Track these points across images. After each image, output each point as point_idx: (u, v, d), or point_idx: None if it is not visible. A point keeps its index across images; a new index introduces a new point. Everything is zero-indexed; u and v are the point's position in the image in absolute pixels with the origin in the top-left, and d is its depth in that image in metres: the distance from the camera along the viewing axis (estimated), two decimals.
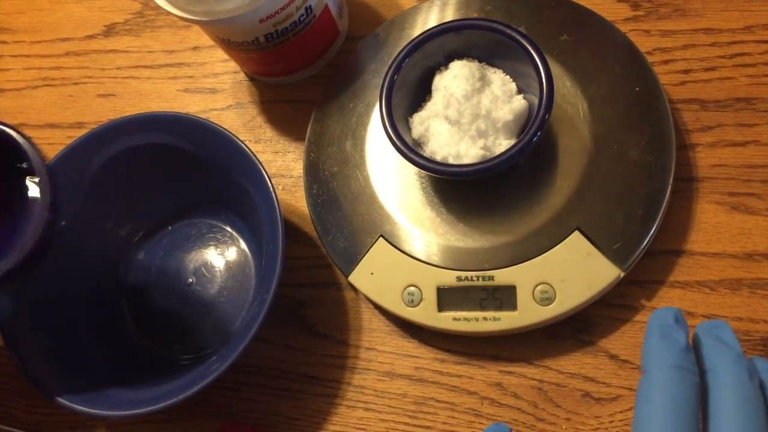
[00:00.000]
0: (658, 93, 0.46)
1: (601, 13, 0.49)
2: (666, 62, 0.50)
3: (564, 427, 0.44)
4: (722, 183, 0.46)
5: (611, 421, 0.44)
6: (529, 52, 0.43)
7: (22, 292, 0.48)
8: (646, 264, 0.45)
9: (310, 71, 0.56)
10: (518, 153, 0.42)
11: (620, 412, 0.44)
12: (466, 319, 0.45)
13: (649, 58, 0.48)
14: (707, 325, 0.34)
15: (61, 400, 0.45)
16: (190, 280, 0.52)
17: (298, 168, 0.54)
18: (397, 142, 0.44)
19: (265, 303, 0.44)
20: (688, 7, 0.50)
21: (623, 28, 0.49)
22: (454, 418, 0.46)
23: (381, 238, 0.47)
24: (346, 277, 0.48)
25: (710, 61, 0.49)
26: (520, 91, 0.46)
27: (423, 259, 0.46)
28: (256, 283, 0.50)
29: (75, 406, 0.45)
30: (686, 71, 0.49)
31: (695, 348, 0.33)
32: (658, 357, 0.31)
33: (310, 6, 0.49)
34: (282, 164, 0.55)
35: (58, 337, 0.49)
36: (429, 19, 0.52)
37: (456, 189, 0.47)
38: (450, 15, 0.51)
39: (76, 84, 0.62)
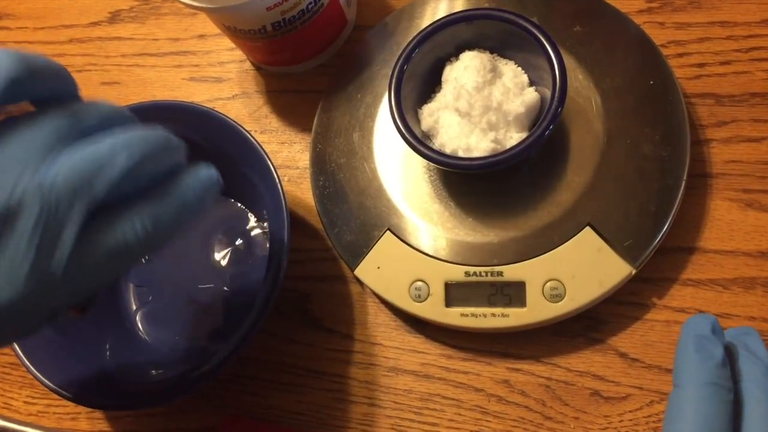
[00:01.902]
0: (673, 87, 0.45)
1: (614, 4, 0.48)
2: (680, 55, 0.49)
3: (572, 426, 0.44)
4: (736, 179, 0.45)
5: (620, 421, 0.43)
6: (543, 43, 0.42)
7: None
8: (658, 261, 0.44)
9: (317, 61, 0.55)
10: (530, 147, 0.41)
11: (630, 411, 0.43)
12: (474, 315, 0.44)
13: (663, 51, 0.47)
14: (735, 332, 0.33)
15: (62, 391, 0.45)
16: (194, 270, 0.51)
17: (304, 159, 0.53)
18: (406, 134, 0.43)
19: (269, 296, 0.43)
20: (703, 0, 0.49)
21: (637, 20, 0.48)
22: (460, 415, 0.46)
23: (388, 232, 0.46)
24: (352, 270, 0.47)
25: (726, 55, 0.48)
26: (531, 83, 0.45)
27: (431, 253, 0.45)
28: (260, 275, 0.50)
29: (77, 397, 0.45)
30: (701, 65, 0.48)
31: (727, 356, 0.32)
32: (692, 372, 0.30)
33: None
34: (288, 155, 0.54)
35: (58, 326, 0.48)
36: (439, 9, 0.51)
37: (465, 182, 0.47)
38: (460, 5, 0.50)
39: (79, 71, 0.61)
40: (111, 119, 0.31)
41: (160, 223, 0.31)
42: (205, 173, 0.33)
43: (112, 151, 0.29)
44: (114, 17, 0.62)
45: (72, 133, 0.29)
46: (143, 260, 0.32)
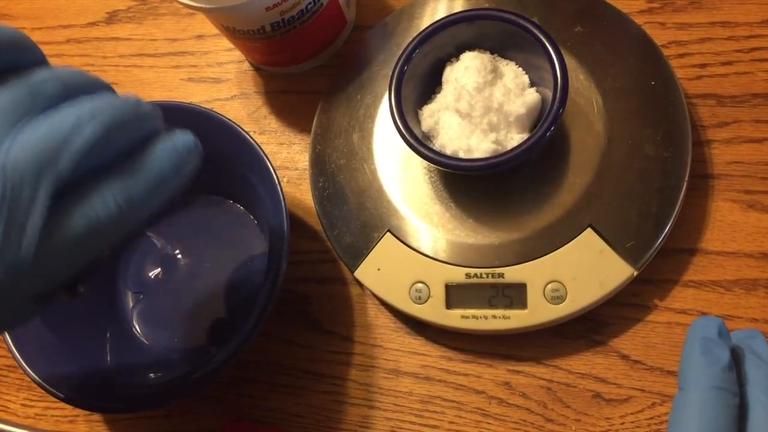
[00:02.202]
0: (674, 87, 0.45)
1: (615, 4, 0.48)
2: (681, 56, 0.48)
3: (573, 428, 0.43)
4: (738, 180, 0.45)
5: (622, 423, 0.43)
6: (543, 43, 0.42)
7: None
8: (660, 263, 0.44)
9: (316, 61, 0.55)
10: (531, 148, 0.41)
11: (631, 413, 0.43)
12: (475, 317, 0.44)
13: (664, 52, 0.46)
14: (741, 335, 0.33)
15: (60, 393, 0.44)
16: (192, 272, 0.51)
17: (303, 160, 0.53)
18: (407, 135, 0.43)
19: (269, 297, 0.43)
20: (704, 0, 0.49)
21: (638, 20, 0.48)
22: (461, 417, 0.45)
23: (388, 233, 0.46)
24: (352, 272, 0.47)
25: (727, 56, 0.48)
26: (532, 84, 0.45)
27: (431, 255, 0.45)
28: (259, 277, 0.49)
29: (75, 400, 0.44)
30: (702, 65, 0.48)
31: (733, 358, 0.32)
32: (698, 375, 0.30)
33: None
34: (287, 156, 0.54)
35: (57, 330, 0.48)
36: (439, 9, 0.51)
37: (466, 184, 0.46)
38: (460, 5, 0.50)
39: None
40: (76, 87, 0.29)
41: (135, 197, 0.29)
42: (181, 140, 0.31)
43: (77, 122, 0.27)
44: (111, 17, 0.62)
45: (33, 105, 0.27)
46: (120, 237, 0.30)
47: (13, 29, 0.29)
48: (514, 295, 0.44)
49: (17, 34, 0.29)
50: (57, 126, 0.27)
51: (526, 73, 0.45)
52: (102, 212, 0.28)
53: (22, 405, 0.53)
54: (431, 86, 0.47)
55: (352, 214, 0.48)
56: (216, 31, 0.55)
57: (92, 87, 0.30)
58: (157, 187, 0.29)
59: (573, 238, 0.43)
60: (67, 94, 0.28)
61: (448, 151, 0.44)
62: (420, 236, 0.46)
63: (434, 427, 0.45)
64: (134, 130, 0.30)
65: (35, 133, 0.26)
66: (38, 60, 0.30)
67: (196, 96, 0.57)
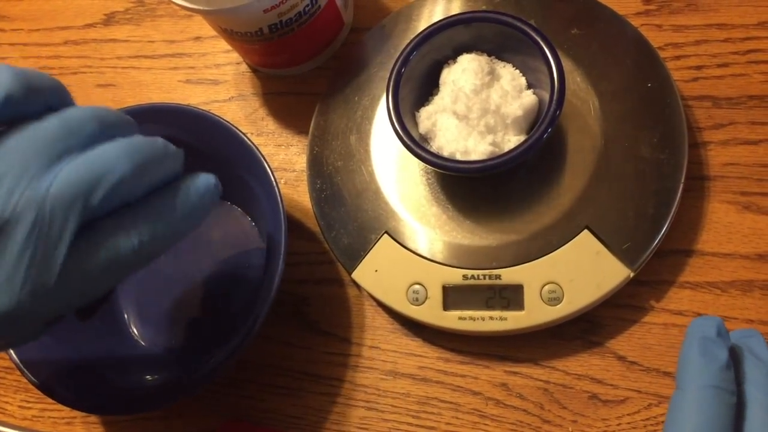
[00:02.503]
0: (671, 89, 0.45)
1: (612, 6, 0.48)
2: (678, 58, 0.49)
3: (570, 430, 0.44)
4: (734, 182, 0.45)
5: (618, 424, 0.43)
6: (540, 46, 0.42)
7: None
8: (656, 264, 0.44)
9: (314, 63, 0.55)
10: (528, 150, 0.41)
11: (628, 414, 0.43)
12: (472, 319, 0.44)
13: (661, 54, 0.47)
14: (740, 335, 0.33)
15: (57, 395, 0.44)
16: (189, 274, 0.51)
17: (301, 162, 0.53)
18: (404, 137, 0.43)
19: (266, 299, 0.43)
20: (701, 2, 0.49)
21: (634, 22, 0.48)
22: (458, 418, 0.45)
23: (386, 235, 0.46)
24: (350, 273, 0.47)
25: (723, 57, 0.48)
26: (529, 86, 0.45)
27: (428, 256, 0.45)
28: (257, 278, 0.50)
29: (71, 401, 0.44)
30: (698, 67, 0.48)
31: (732, 357, 0.32)
32: (695, 375, 0.30)
33: None
34: (284, 158, 0.54)
35: (54, 332, 0.47)
36: (436, 11, 0.51)
37: (463, 185, 0.46)
38: (457, 7, 0.50)
39: (74, 73, 0.61)
40: (112, 126, 0.31)
41: (157, 234, 0.30)
42: (204, 181, 0.33)
43: (111, 159, 0.29)
44: (109, 19, 0.62)
45: (75, 142, 0.29)
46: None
47: (52, 78, 0.31)
48: (511, 297, 0.44)
49: (57, 82, 0.31)
50: (92, 162, 0.29)
51: (524, 75, 0.45)
52: (124, 248, 0.29)
53: (20, 407, 0.53)
54: (428, 88, 0.47)
55: (350, 216, 0.48)
56: (214, 32, 0.55)
57: (126, 126, 0.32)
58: (179, 224, 0.31)
59: (570, 240, 0.43)
60: (102, 132, 0.30)
61: (446, 153, 0.44)
62: (417, 238, 0.46)
63: (431, 428, 0.46)
64: (161, 170, 0.31)
65: (71, 168, 0.28)
66: (70, 102, 0.32)
67: (194, 98, 0.58)
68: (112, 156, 0.29)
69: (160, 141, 0.32)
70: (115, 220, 0.30)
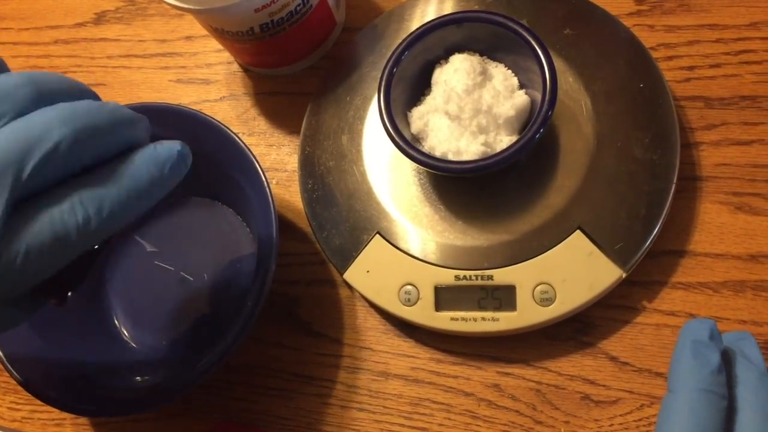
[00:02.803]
0: (663, 90, 0.45)
1: (604, 6, 0.48)
2: (670, 58, 0.48)
3: (562, 430, 0.43)
4: (726, 182, 0.45)
5: (611, 425, 0.43)
6: (532, 46, 0.42)
7: None
8: (648, 264, 0.44)
9: (305, 63, 0.55)
10: (520, 150, 0.41)
11: (620, 415, 0.43)
12: (464, 319, 0.44)
13: (653, 54, 0.47)
14: (732, 337, 0.33)
15: (46, 396, 0.44)
16: (180, 274, 0.51)
17: (292, 162, 0.53)
18: (396, 137, 0.43)
19: (257, 299, 0.43)
20: (693, 3, 0.49)
21: (627, 22, 0.48)
22: (450, 419, 0.45)
23: (377, 236, 0.46)
24: (341, 274, 0.47)
25: (715, 58, 0.48)
26: (521, 86, 0.45)
27: (420, 257, 0.45)
28: (248, 279, 0.49)
29: (61, 402, 0.44)
30: (691, 68, 0.48)
31: (723, 360, 0.32)
32: (687, 378, 0.30)
33: None
34: (276, 158, 0.53)
35: (43, 332, 0.47)
36: (428, 11, 0.50)
37: (455, 186, 0.46)
38: (449, 7, 0.50)
39: (65, 72, 0.61)
40: (52, 92, 0.28)
41: (105, 208, 0.27)
42: (165, 150, 0.29)
43: (46, 125, 0.26)
44: (100, 18, 0.62)
45: (3, 107, 0.26)
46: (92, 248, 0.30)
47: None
48: (503, 297, 0.44)
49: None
50: (22, 131, 0.26)
51: (515, 76, 0.45)
52: (68, 223, 0.26)
53: (9, 408, 0.52)
54: (420, 88, 0.47)
55: (342, 216, 0.47)
56: (205, 32, 0.55)
57: (72, 92, 0.29)
58: (131, 197, 0.28)
59: (562, 240, 0.43)
60: (40, 99, 0.27)
61: (438, 153, 0.44)
62: (409, 238, 0.46)
63: (423, 429, 0.45)
64: (110, 137, 0.28)
65: (3, 138, 0.25)
66: (4, 69, 0.29)
67: (185, 97, 0.57)
68: (47, 122, 0.26)
69: (109, 106, 0.28)
70: (55, 194, 0.27)
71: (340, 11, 0.55)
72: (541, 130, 0.41)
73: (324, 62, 0.55)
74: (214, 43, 0.57)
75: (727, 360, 0.32)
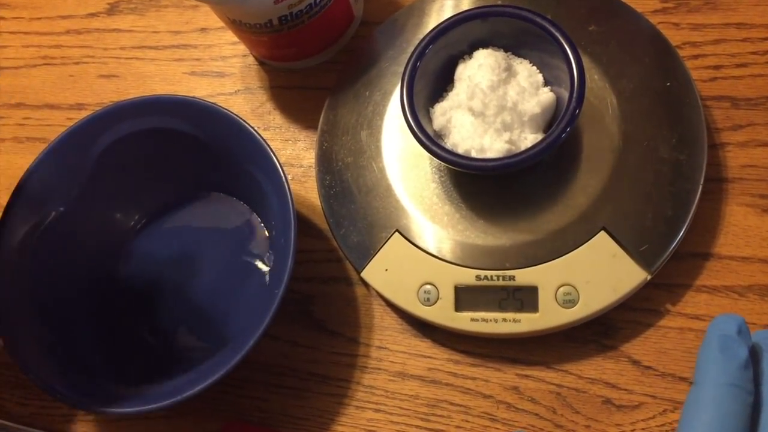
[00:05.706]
0: (690, 89, 0.44)
1: (629, 3, 0.47)
2: (696, 57, 0.48)
3: None
4: (753, 184, 0.45)
5: (633, 430, 0.42)
6: (560, 42, 0.41)
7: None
8: (673, 267, 0.43)
9: (323, 57, 0.54)
10: (546, 148, 0.40)
11: (642, 420, 0.42)
12: (485, 320, 0.43)
13: (678, 53, 0.46)
14: (762, 335, 0.32)
15: (56, 393, 0.43)
16: (195, 271, 0.50)
17: (308, 157, 0.52)
18: (419, 133, 0.42)
19: (275, 298, 0.42)
20: (719, 1, 0.48)
21: (652, 20, 0.47)
22: (468, 422, 0.44)
23: (397, 233, 0.45)
24: (359, 272, 0.46)
25: (742, 57, 0.47)
26: (546, 83, 0.44)
27: (440, 256, 0.44)
28: (265, 276, 0.48)
29: (71, 399, 0.43)
30: (717, 67, 0.47)
31: (752, 357, 0.31)
32: (713, 372, 0.30)
33: None
34: (292, 153, 0.53)
35: (55, 328, 0.47)
36: (448, 6, 0.50)
37: (476, 184, 0.45)
38: (469, 2, 0.49)
39: (77, 63, 0.60)
40: None
41: None
42: None
43: None
44: (113, 8, 0.61)
45: None
46: None
47: None
48: (525, 298, 0.43)
49: None
50: None
51: (540, 72, 0.44)
52: None
53: (17, 403, 0.51)
54: (442, 84, 0.46)
55: (360, 213, 0.47)
56: (220, 24, 0.54)
57: None
58: None
59: (586, 241, 0.42)
60: None
61: (460, 150, 0.43)
62: (429, 237, 0.45)
63: (440, 431, 0.45)
64: None
65: None
66: None
67: (199, 90, 0.56)
68: None
69: None
70: None
71: (359, 5, 0.54)
72: (569, 129, 0.40)
73: (341, 56, 0.54)
74: (229, 36, 0.56)
75: (754, 357, 0.32)
